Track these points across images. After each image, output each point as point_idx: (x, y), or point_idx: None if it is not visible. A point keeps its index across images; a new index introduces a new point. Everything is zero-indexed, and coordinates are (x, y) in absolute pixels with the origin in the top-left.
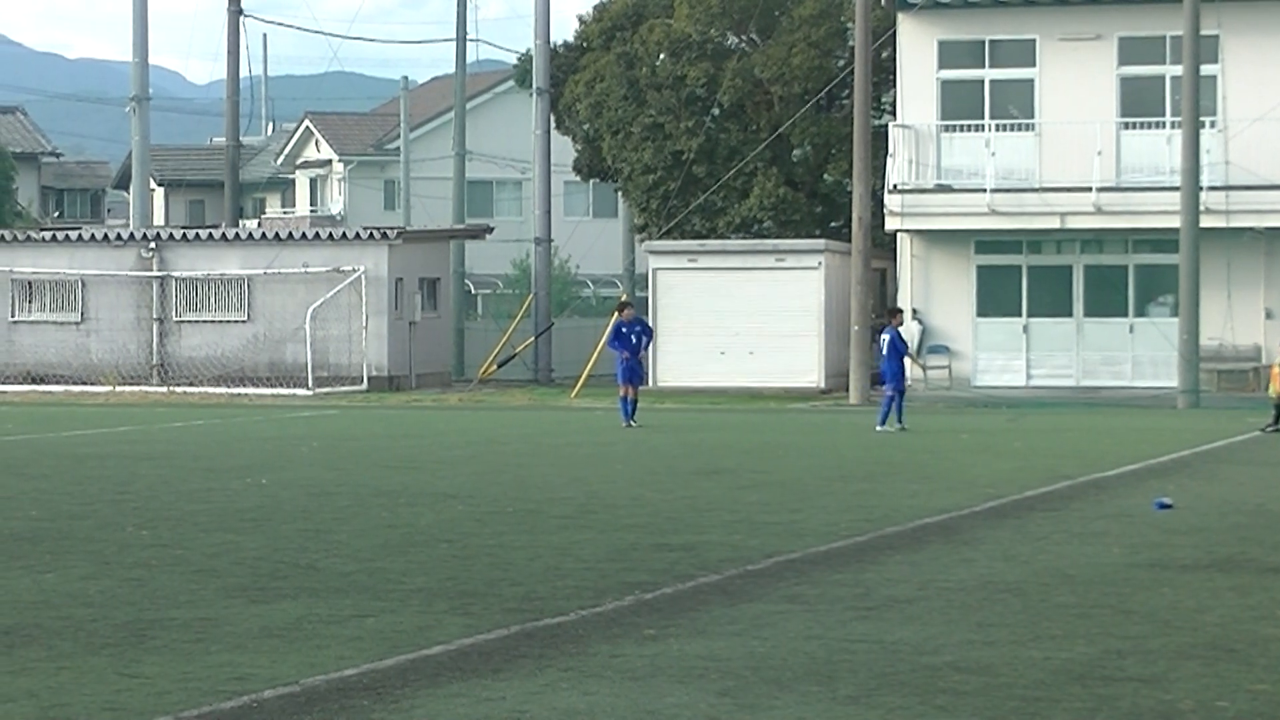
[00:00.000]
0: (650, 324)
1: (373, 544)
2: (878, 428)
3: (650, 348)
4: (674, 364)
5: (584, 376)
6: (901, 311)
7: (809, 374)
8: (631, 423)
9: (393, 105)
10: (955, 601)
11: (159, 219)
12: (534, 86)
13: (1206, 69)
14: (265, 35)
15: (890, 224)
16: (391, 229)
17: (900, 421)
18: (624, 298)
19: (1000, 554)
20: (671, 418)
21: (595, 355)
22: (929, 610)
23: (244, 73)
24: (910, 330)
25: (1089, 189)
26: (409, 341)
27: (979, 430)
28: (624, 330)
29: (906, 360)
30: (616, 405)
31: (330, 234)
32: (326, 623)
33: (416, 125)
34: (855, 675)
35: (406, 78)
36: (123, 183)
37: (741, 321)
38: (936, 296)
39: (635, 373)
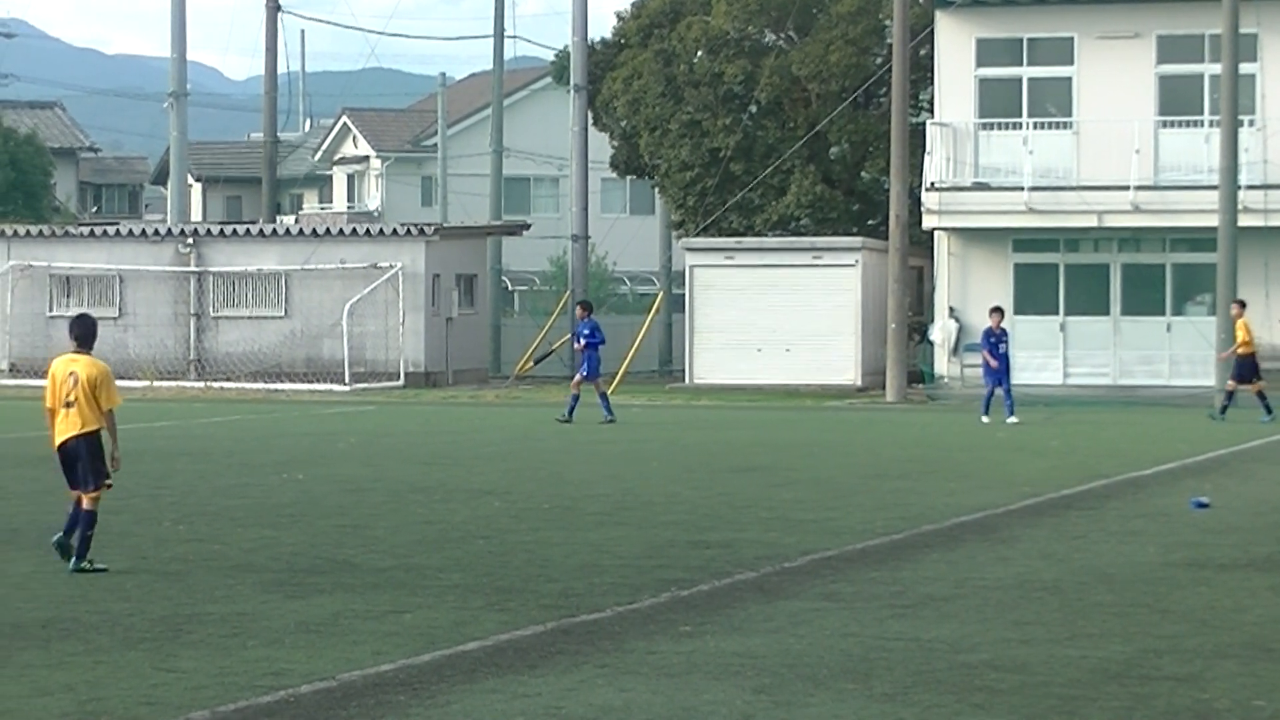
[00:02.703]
0: (599, 325)
1: (409, 540)
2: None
3: (596, 350)
4: (711, 361)
5: (620, 373)
6: (1000, 311)
7: (846, 371)
8: (565, 418)
9: (430, 102)
10: (991, 600)
11: (196, 214)
12: (571, 83)
13: (1245, 67)
14: (303, 31)
15: (927, 222)
16: (428, 225)
17: (1011, 413)
18: (579, 299)
19: (1037, 552)
20: (708, 414)
21: (632, 352)
22: (965, 608)
23: (281, 68)
24: (948, 328)
25: (1127, 188)
26: (445, 338)
27: (1016, 428)
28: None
29: (985, 356)
30: (649, 403)
31: (367, 230)
32: (363, 618)
33: (454, 122)
34: (891, 673)
35: (444, 74)
36: (160, 178)
37: (778, 319)
38: (974, 295)
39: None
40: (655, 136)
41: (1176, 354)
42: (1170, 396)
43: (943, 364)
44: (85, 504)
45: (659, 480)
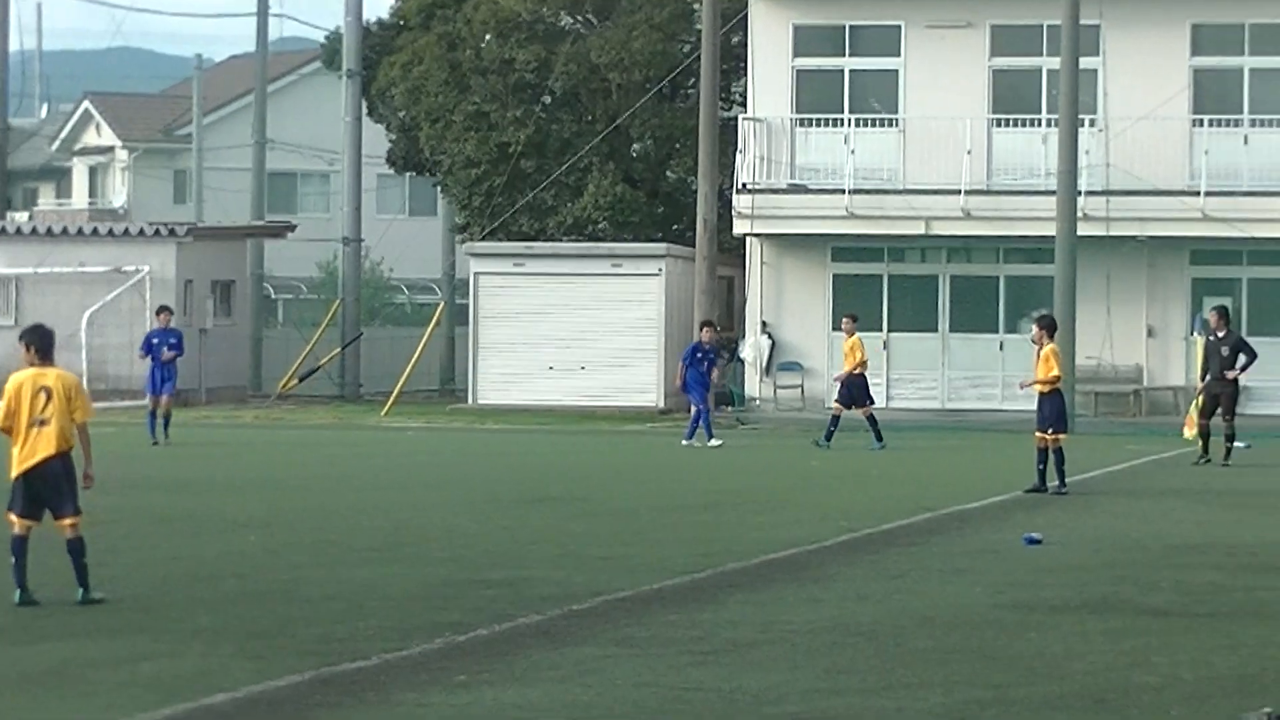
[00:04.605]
0: (182, 334)
1: (151, 578)
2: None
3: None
4: (497, 379)
5: (396, 393)
6: (713, 325)
7: (647, 392)
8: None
9: (184, 86)
10: (801, 646)
11: None
12: (344, 68)
13: (1086, 62)
14: (39, 4)
15: (739, 227)
16: (181, 225)
17: (690, 438)
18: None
19: (853, 593)
20: (493, 439)
21: (409, 369)
22: (772, 655)
23: (14, 46)
24: (760, 345)
25: (957, 191)
26: (199, 352)
27: (833, 456)
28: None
29: (715, 374)
30: (427, 425)
31: (111, 230)
32: (95, 667)
33: (211, 109)
34: None
35: (200, 56)
36: None
37: (572, 333)
38: (789, 308)
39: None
40: (437, 129)
41: (1010, 375)
42: (1003, 421)
43: (754, 384)
44: (70, 532)
45: (436, 512)
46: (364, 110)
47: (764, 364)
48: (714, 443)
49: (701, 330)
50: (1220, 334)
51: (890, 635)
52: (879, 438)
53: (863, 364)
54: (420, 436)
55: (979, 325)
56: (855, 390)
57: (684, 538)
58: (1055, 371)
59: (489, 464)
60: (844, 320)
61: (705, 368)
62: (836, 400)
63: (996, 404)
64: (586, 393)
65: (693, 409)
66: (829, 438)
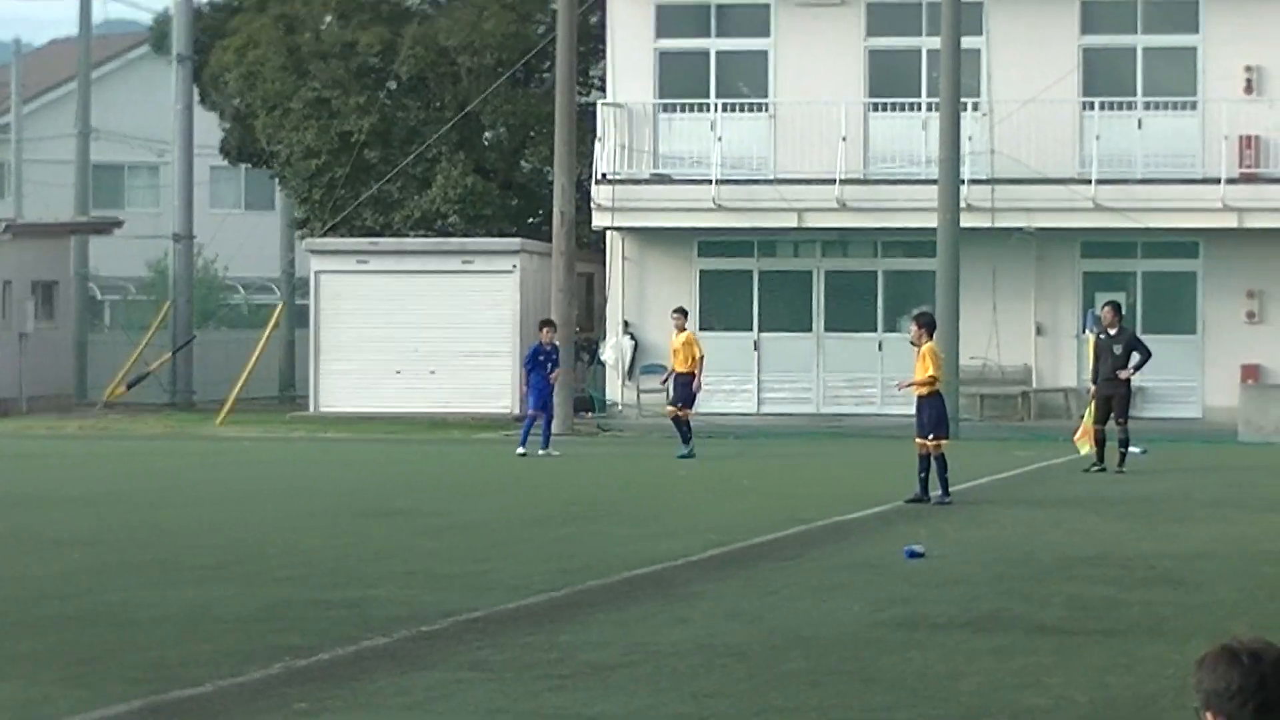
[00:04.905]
0: None
1: None
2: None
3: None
4: (341, 385)
5: (231, 400)
6: (552, 324)
7: (501, 398)
8: None
9: (3, 73)
10: (667, 668)
11: None
12: (174, 52)
13: (969, 41)
14: None
15: (598, 220)
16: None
17: (523, 446)
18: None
19: (722, 611)
20: (336, 449)
21: (245, 374)
22: (636, 678)
23: None
24: (622, 347)
25: (832, 181)
26: (19, 357)
27: (701, 465)
28: None
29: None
30: (266, 435)
31: None
32: None
33: (32, 97)
34: None
35: (19, 39)
36: None
37: (421, 335)
38: (652, 307)
39: None
40: (275, 117)
41: (890, 376)
42: (883, 427)
43: (616, 389)
44: None
45: (275, 527)
46: (196, 97)
47: (626, 367)
48: (520, 450)
49: (541, 330)
50: (1113, 331)
51: (762, 656)
52: (686, 441)
53: (698, 361)
54: (258, 446)
55: (856, 324)
56: (679, 389)
57: (542, 553)
58: (931, 372)
59: (332, 475)
60: (673, 315)
61: (549, 370)
62: (670, 404)
63: (876, 408)
64: (436, 399)
65: (529, 414)
66: (686, 442)
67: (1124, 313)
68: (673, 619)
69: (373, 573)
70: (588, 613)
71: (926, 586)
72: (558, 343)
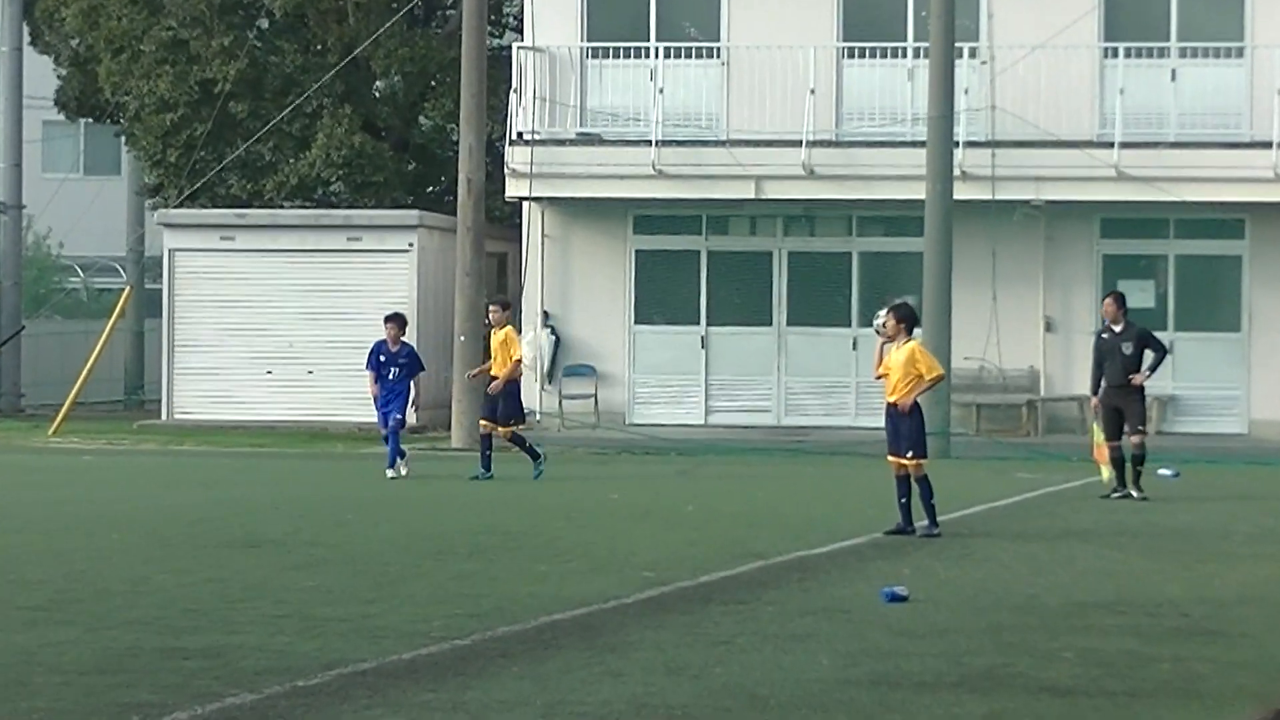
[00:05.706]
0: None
1: None
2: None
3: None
4: (200, 387)
5: (68, 405)
6: (400, 319)
7: None
8: None
9: None
10: None
11: None
12: None
13: None
14: None
15: (513, 189)
16: None
17: (392, 465)
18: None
19: (661, 665)
20: (195, 464)
21: (85, 373)
22: None
23: None
24: (540, 343)
25: (798, 143)
26: None
27: (636, 487)
28: None
29: (370, 381)
30: (109, 447)
31: None
32: None
33: None
34: None
35: None
36: None
37: (298, 328)
38: (578, 294)
39: None
40: (121, 62)
41: (867, 382)
42: (856, 441)
43: (534, 394)
44: None
45: (120, 559)
46: (26, 38)
47: (546, 368)
48: (390, 473)
49: (386, 326)
50: (1118, 328)
51: (709, 719)
52: (536, 457)
53: (519, 363)
54: (100, 462)
55: (825, 317)
56: (507, 400)
57: (444, 593)
58: (937, 370)
59: (188, 497)
60: (491, 308)
61: (400, 375)
62: (499, 422)
63: (849, 419)
64: (315, 404)
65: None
66: (487, 465)
67: (1127, 304)
68: (602, 673)
69: (238, 615)
70: (499, 665)
71: (909, 637)
72: (408, 342)
